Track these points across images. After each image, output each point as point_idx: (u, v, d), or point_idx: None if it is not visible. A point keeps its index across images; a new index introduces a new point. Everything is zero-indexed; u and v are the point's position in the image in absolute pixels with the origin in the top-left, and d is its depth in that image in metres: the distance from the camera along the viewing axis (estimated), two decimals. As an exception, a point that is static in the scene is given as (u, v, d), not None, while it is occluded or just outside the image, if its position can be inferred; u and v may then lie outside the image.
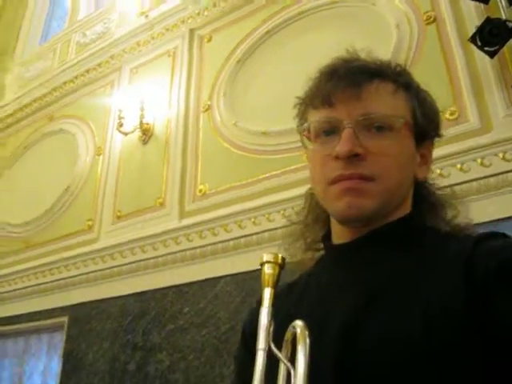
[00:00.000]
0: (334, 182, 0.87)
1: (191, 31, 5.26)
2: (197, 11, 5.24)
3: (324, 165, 0.89)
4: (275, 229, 3.57)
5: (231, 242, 3.89)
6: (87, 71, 6.09)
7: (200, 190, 4.31)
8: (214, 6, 5.14)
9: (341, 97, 0.89)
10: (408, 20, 3.82)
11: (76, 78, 6.20)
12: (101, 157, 5.34)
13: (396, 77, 0.93)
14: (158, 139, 4.85)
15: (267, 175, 3.89)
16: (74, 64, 6.28)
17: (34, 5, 7.97)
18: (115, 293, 4.49)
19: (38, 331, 5.27)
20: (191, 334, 3.88)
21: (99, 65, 5.99)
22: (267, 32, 4.61)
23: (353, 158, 0.85)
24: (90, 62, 6.08)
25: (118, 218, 4.78)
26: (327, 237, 0.98)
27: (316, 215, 1.01)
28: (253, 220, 3.82)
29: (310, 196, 1.03)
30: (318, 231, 1.00)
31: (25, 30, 7.79)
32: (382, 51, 3.62)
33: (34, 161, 6.26)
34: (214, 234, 3.99)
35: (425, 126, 0.93)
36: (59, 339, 4.95)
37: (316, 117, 0.92)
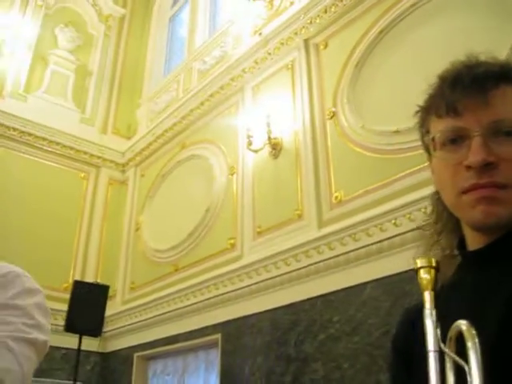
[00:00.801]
0: (467, 191, 0.87)
1: (306, 41, 5.28)
2: (308, 20, 5.26)
3: (455, 174, 0.89)
4: (417, 228, 3.44)
5: (374, 246, 3.82)
6: (211, 96, 6.32)
7: (336, 198, 4.29)
8: (325, 12, 5.13)
9: (467, 105, 0.88)
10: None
11: (202, 104, 6.45)
12: (234, 176, 5.51)
13: None
14: (288, 152, 4.91)
15: (403, 174, 3.79)
16: (198, 91, 6.55)
17: (153, 42, 8.46)
18: (264, 307, 4.57)
19: (194, 349, 5.51)
20: (343, 343, 3.84)
21: (222, 88, 6.19)
22: (381, 31, 4.51)
23: (485, 166, 0.84)
24: (213, 87, 6.31)
25: (259, 233, 4.88)
26: (461, 243, 0.96)
27: (446, 221, 1.00)
28: (393, 221, 3.72)
29: (437, 201, 1.01)
30: (452, 238, 0.99)
31: (148, 67, 8.28)
32: (507, 31, 3.42)
33: (173, 188, 6.59)
34: (356, 240, 3.94)
35: None
36: (215, 356, 5.12)
37: (441, 126, 0.92)
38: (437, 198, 1.00)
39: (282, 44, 5.49)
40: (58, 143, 7.23)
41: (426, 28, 4.17)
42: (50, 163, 7.14)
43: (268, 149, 5.02)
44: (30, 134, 7.04)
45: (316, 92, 4.92)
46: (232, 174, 5.55)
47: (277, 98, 5.26)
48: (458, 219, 0.96)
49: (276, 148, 4.98)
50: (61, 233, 6.76)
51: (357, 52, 4.66)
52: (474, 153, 0.85)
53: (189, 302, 5.41)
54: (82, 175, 7.37)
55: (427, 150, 0.99)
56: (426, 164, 3.31)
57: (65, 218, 6.88)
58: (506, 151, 0.85)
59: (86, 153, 7.44)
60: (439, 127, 0.92)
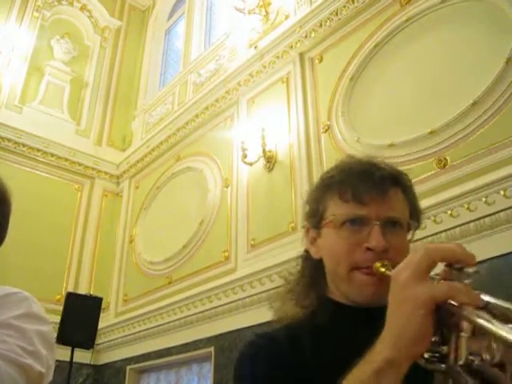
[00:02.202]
0: (362, 269, 1.04)
1: (301, 55, 5.31)
2: (304, 34, 5.29)
3: (351, 251, 1.06)
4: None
5: (368, 260, 3.81)
6: (206, 108, 6.34)
7: (330, 211, 4.28)
8: (321, 26, 5.16)
9: (372, 198, 1.07)
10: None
11: (197, 116, 6.47)
12: (229, 188, 5.51)
13: (404, 185, 1.14)
14: (283, 165, 4.91)
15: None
16: (193, 103, 6.57)
17: (149, 55, 8.49)
18: (257, 320, 4.53)
19: (187, 362, 5.48)
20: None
21: (217, 100, 6.21)
22: (376, 45, 4.54)
23: (383, 251, 1.03)
24: (208, 100, 6.33)
25: (253, 246, 4.87)
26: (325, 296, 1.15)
27: (313, 279, 1.18)
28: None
29: (306, 262, 1.21)
30: (314, 293, 1.16)
31: (144, 79, 8.31)
32: (503, 44, 3.45)
33: (167, 200, 6.58)
34: (350, 253, 3.93)
35: (415, 223, 1.15)
36: (208, 369, 5.09)
37: (345, 210, 1.09)
38: (305, 258, 1.21)
39: (278, 57, 5.51)
40: (52, 154, 7.23)
41: (421, 42, 4.20)
42: (44, 174, 7.13)
43: (262, 162, 5.03)
44: (24, 145, 7.04)
45: (311, 105, 4.94)
46: (226, 187, 5.55)
47: (272, 111, 5.28)
48: (321, 279, 1.16)
49: (270, 161, 4.99)
50: (54, 244, 6.74)
51: (352, 66, 4.68)
52: (377, 239, 1.03)
53: (182, 315, 5.38)
54: (76, 186, 7.36)
55: (315, 223, 1.16)
56: (418, 178, 3.31)
57: (58, 229, 6.86)
58: (394, 240, 1.05)
59: (80, 164, 7.44)
60: (343, 210, 1.09)
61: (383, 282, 0.97)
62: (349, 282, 1.07)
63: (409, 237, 1.11)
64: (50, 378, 1.17)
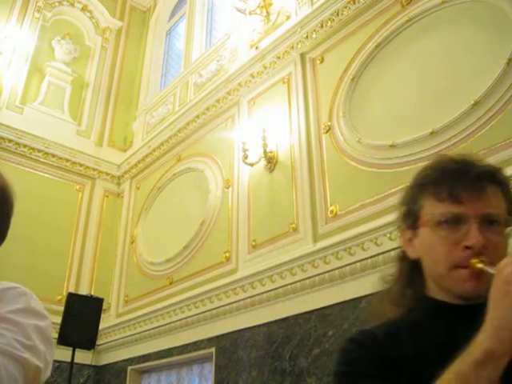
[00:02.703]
0: (463, 266, 1.05)
1: (302, 55, 5.31)
2: (305, 35, 5.28)
3: (450, 250, 1.07)
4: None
5: (369, 261, 3.81)
6: (207, 109, 6.34)
7: (331, 211, 4.29)
8: (322, 26, 5.16)
9: (469, 196, 1.08)
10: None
11: (197, 117, 6.47)
12: (230, 189, 5.51)
13: (501, 182, 1.14)
14: (284, 165, 4.91)
15: (399, 188, 3.79)
16: (194, 104, 6.57)
17: (150, 55, 8.49)
18: (258, 321, 4.55)
19: (188, 363, 5.47)
20: (338, 357, 3.81)
21: (218, 101, 6.21)
22: (377, 46, 4.54)
23: (481, 248, 1.04)
24: (209, 100, 6.33)
25: (254, 247, 4.87)
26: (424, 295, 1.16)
27: (409, 278, 1.20)
28: (388, 236, 3.71)
29: (402, 261, 1.22)
30: (411, 291, 1.18)
31: (145, 80, 8.31)
32: (504, 44, 3.45)
33: (168, 201, 6.58)
34: (351, 254, 3.93)
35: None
36: (209, 369, 5.09)
37: (441, 209, 1.10)
38: (401, 259, 1.22)
39: (279, 58, 5.51)
40: (53, 155, 7.23)
41: (422, 43, 4.20)
42: (45, 175, 7.13)
43: (263, 162, 5.03)
44: (25, 146, 7.04)
45: (312, 106, 4.93)
46: (227, 187, 5.55)
47: (273, 111, 5.28)
48: (418, 277, 1.17)
49: (271, 161, 4.99)
50: (55, 245, 6.74)
51: (353, 66, 4.68)
52: (475, 237, 1.04)
53: (183, 316, 5.38)
54: (77, 187, 7.36)
55: (411, 223, 1.17)
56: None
57: (59, 230, 6.86)
58: (492, 238, 1.06)
59: (81, 165, 7.44)
60: (439, 209, 1.10)
61: (483, 277, 1.02)
62: (449, 279, 1.08)
63: (506, 233, 1.12)
64: (48, 373, 1.15)
